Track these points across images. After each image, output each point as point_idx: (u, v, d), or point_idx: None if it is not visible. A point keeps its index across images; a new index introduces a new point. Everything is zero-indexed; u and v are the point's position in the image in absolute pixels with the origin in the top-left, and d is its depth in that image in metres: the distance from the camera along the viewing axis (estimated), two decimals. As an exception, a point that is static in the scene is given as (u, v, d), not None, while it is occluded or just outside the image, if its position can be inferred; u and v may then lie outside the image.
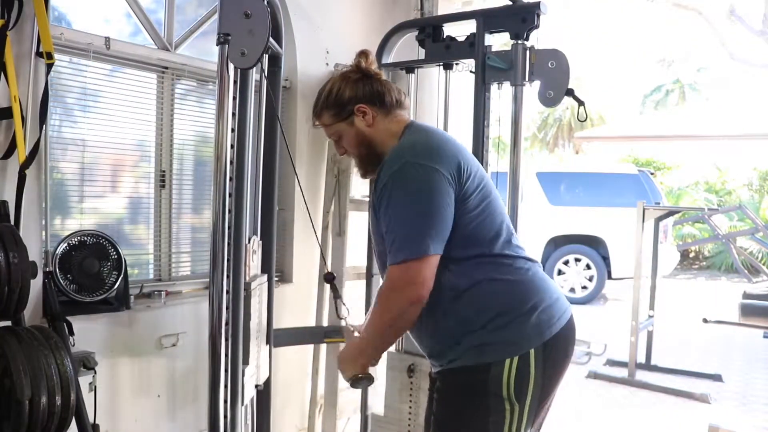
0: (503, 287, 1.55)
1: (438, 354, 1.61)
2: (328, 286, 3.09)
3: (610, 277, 7.99)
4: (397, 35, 2.88)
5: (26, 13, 2.07)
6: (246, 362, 2.04)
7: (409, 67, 2.84)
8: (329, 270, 3.05)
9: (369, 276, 2.86)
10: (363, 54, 1.69)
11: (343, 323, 1.85)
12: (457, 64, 2.72)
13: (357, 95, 1.65)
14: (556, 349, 1.55)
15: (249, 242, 2.11)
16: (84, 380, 2.16)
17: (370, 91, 1.65)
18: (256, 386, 2.23)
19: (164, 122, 2.70)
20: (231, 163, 1.91)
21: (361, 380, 1.60)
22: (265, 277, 2.36)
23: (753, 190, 12.74)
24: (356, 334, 1.78)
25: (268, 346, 2.40)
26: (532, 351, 1.51)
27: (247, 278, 2.09)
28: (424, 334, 1.63)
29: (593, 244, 8.02)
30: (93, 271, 2.29)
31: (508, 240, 1.60)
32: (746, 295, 5.01)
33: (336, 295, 1.91)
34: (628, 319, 4.66)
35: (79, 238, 2.30)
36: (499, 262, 1.57)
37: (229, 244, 1.92)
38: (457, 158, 1.54)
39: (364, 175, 1.74)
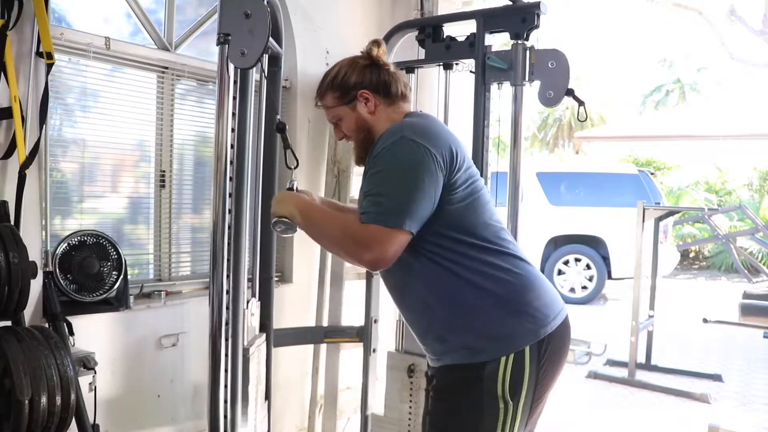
0: (498, 283, 1.53)
1: (434, 349, 1.59)
2: (328, 286, 3.13)
3: (610, 277, 7.97)
4: (397, 35, 2.88)
5: (26, 13, 2.07)
6: (244, 423, 2.05)
7: (409, 67, 2.84)
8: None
9: (369, 276, 2.85)
10: (375, 43, 1.68)
11: (293, 176, 1.76)
12: (457, 64, 2.73)
13: (363, 81, 1.64)
14: (552, 347, 1.54)
15: (247, 306, 2.10)
16: (84, 380, 2.16)
17: (376, 79, 1.65)
18: None
19: (164, 122, 2.70)
20: (231, 163, 1.91)
21: (284, 223, 1.60)
22: (263, 337, 2.34)
23: (753, 190, 12.73)
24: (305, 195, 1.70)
25: (267, 402, 2.39)
26: (527, 348, 1.50)
27: (245, 342, 2.07)
28: (421, 329, 1.61)
29: (593, 244, 8.01)
30: (93, 271, 2.29)
31: (502, 236, 1.58)
32: (746, 295, 4.99)
33: (286, 145, 1.81)
34: (628, 319, 4.65)
35: (79, 238, 2.30)
36: (494, 258, 1.54)
37: (229, 244, 1.92)
38: (452, 147, 1.53)
39: (358, 161, 1.71)
